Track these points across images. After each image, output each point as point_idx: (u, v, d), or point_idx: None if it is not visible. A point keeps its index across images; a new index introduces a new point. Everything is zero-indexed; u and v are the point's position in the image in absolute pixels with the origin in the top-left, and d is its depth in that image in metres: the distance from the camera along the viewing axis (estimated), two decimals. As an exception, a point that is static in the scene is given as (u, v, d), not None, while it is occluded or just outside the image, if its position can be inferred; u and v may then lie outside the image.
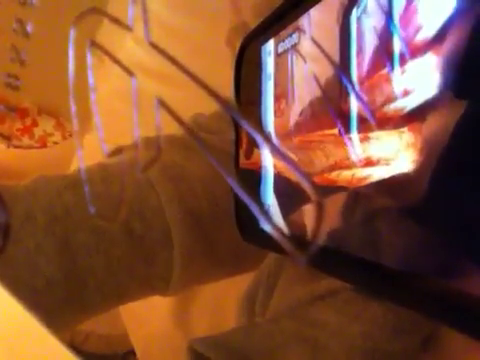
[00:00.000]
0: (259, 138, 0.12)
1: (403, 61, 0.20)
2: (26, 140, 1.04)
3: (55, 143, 1.06)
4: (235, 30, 0.49)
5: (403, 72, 0.20)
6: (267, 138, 0.12)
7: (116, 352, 0.93)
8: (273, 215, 0.25)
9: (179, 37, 0.63)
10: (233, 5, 0.49)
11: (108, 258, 0.40)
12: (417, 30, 0.20)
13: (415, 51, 0.20)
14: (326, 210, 0.12)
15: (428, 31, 0.19)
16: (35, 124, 1.04)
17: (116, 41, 0.64)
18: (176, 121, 0.14)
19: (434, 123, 0.18)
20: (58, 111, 1.05)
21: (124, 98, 0.58)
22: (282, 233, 0.13)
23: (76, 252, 0.39)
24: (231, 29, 0.49)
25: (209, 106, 0.49)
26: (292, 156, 0.28)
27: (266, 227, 0.13)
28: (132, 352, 0.71)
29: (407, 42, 0.20)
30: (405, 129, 0.20)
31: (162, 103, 0.15)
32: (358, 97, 0.22)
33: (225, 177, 0.14)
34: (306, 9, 0.27)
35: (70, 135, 1.06)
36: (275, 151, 0.12)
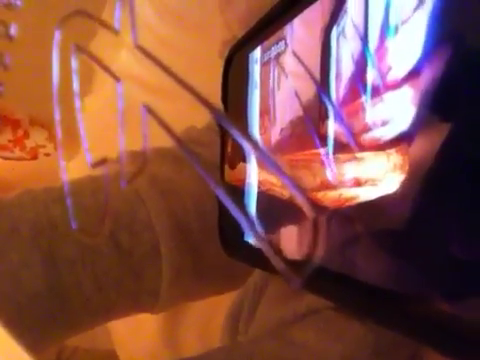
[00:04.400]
0: (247, 145, 0.11)
1: (381, 91, 0.20)
2: (17, 152, 1.03)
3: (47, 155, 1.05)
4: (227, 44, 0.48)
5: (381, 101, 0.20)
6: (256, 145, 0.11)
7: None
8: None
9: (171, 49, 0.63)
10: (224, 19, 0.49)
11: (95, 273, 0.40)
12: (395, 61, 0.20)
13: (394, 81, 0.20)
14: (322, 228, 0.12)
15: (406, 62, 0.19)
16: (27, 136, 1.04)
17: (110, 54, 0.63)
18: (164, 130, 0.13)
19: (421, 145, 0.19)
20: (50, 122, 1.04)
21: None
22: (273, 249, 0.12)
23: (62, 266, 0.39)
24: (223, 42, 0.49)
25: (202, 120, 0.48)
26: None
27: (254, 241, 0.13)
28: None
29: (383, 74, 0.20)
30: (393, 150, 0.20)
31: (150, 111, 0.14)
32: (339, 120, 0.22)
33: (213, 188, 0.13)
34: (293, 16, 0.27)
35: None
36: (265, 158, 0.11)
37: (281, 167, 0.11)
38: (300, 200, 0.10)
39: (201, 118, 0.47)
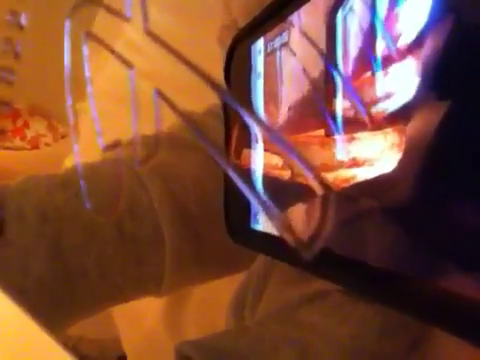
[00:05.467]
0: (255, 125, 0.11)
1: (386, 64, 0.20)
2: (18, 141, 1.03)
3: (47, 145, 1.05)
4: (227, 29, 0.48)
5: (386, 74, 0.21)
6: (264, 124, 0.12)
7: (108, 356, 0.93)
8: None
9: (171, 40, 0.63)
10: (224, 4, 0.49)
11: (99, 258, 0.40)
12: (399, 35, 0.20)
13: (398, 54, 0.20)
14: (331, 205, 0.12)
15: (410, 36, 0.19)
16: (27, 125, 1.04)
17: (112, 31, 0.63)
18: (174, 111, 0.14)
19: (418, 124, 0.19)
20: (50, 112, 1.04)
21: (114, 98, 0.57)
22: (286, 227, 0.12)
23: (67, 252, 0.39)
24: (223, 28, 0.49)
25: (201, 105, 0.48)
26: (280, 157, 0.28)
27: (262, 223, 0.13)
28: (124, 357, 0.71)
29: (390, 45, 0.20)
30: (390, 130, 0.20)
31: (160, 94, 0.14)
32: (349, 90, 0.22)
33: (224, 167, 0.13)
34: (297, 7, 0.27)
35: (62, 137, 1.06)
36: (273, 137, 0.11)
37: (290, 144, 0.11)
38: (309, 177, 0.11)
39: (198, 109, 0.47)
